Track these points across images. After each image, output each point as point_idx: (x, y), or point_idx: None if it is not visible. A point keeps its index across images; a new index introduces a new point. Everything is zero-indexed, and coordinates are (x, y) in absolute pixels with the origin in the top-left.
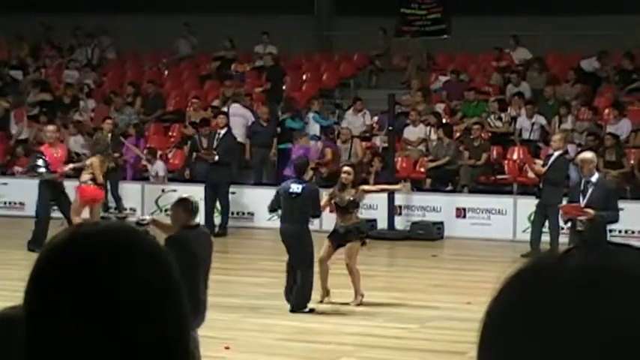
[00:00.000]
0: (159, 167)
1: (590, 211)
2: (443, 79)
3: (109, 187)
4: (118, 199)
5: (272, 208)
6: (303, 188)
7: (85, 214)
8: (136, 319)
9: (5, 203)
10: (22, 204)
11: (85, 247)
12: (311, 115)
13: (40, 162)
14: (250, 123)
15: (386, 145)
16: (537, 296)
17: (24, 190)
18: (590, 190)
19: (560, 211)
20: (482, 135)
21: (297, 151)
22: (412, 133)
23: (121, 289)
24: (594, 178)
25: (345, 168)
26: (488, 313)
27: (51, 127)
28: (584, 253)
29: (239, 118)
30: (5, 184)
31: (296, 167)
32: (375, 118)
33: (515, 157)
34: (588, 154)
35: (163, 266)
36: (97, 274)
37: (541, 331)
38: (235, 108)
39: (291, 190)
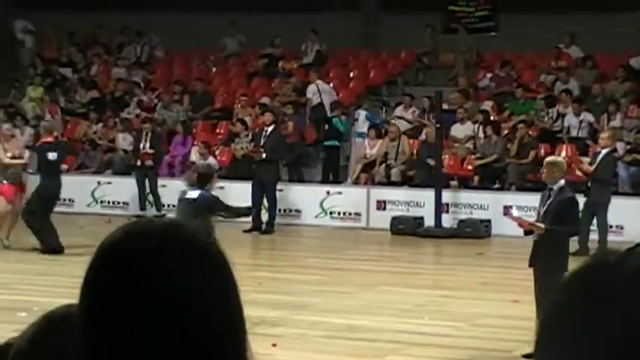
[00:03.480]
0: (211, 163)
1: (540, 225)
2: (490, 76)
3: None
4: (157, 198)
5: None
6: (199, 194)
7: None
8: (192, 323)
9: None
10: (71, 200)
11: (141, 248)
12: (362, 112)
13: None
14: (334, 100)
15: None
16: (598, 295)
17: (72, 187)
18: (550, 199)
19: (516, 223)
20: (530, 133)
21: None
22: (459, 130)
23: (177, 291)
24: (557, 185)
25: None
26: (549, 309)
27: None
28: None
29: (327, 95)
30: None
31: (200, 176)
32: (417, 112)
33: (563, 154)
34: (553, 158)
35: (221, 268)
36: (153, 276)
37: (601, 329)
38: (321, 84)
39: (187, 196)
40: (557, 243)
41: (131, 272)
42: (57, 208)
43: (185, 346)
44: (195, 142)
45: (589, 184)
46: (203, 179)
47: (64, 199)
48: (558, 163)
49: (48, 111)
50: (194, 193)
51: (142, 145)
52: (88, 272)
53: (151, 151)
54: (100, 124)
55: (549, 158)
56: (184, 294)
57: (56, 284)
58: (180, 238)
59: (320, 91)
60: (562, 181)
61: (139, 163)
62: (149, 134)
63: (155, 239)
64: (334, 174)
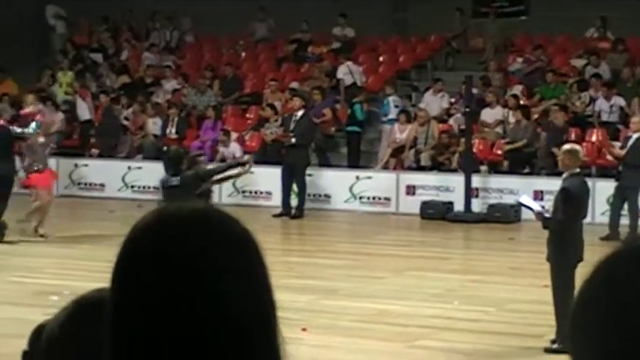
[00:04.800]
0: (235, 149)
1: (546, 215)
2: (520, 60)
3: None
4: None
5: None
6: (180, 178)
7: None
8: (223, 305)
9: (86, 184)
10: (102, 185)
11: (172, 232)
12: (391, 98)
13: None
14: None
15: (463, 127)
16: (624, 284)
17: (103, 172)
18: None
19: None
20: (561, 117)
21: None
22: (489, 115)
23: (209, 274)
24: (565, 174)
25: (202, 158)
26: (576, 300)
27: None
28: None
29: (357, 76)
30: (86, 165)
31: (171, 160)
32: (452, 100)
33: (593, 139)
34: (570, 146)
35: (252, 250)
36: (184, 259)
37: (627, 321)
38: (351, 65)
39: (170, 184)
40: (555, 233)
41: (163, 256)
42: (88, 193)
43: (216, 328)
44: (221, 128)
45: (620, 169)
46: (174, 162)
47: (95, 184)
48: (572, 151)
49: (79, 95)
50: (175, 180)
51: (167, 131)
52: (120, 256)
53: (175, 137)
54: (131, 109)
55: (566, 146)
56: (216, 276)
57: (87, 268)
58: (212, 221)
59: (351, 72)
60: (576, 170)
61: (165, 148)
62: (175, 119)
63: (186, 222)
64: (356, 159)
